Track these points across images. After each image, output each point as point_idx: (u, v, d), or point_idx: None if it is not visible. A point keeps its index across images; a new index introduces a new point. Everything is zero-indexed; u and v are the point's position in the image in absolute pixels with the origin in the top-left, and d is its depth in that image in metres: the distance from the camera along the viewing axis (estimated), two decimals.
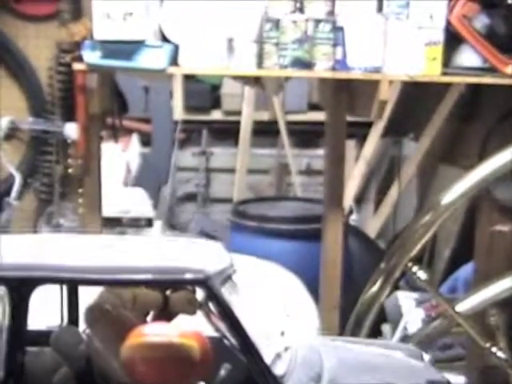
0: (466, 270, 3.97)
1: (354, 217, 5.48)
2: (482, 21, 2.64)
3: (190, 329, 1.77)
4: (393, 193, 5.52)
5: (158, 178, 6.00)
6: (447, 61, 2.70)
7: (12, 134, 3.07)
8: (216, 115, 6.21)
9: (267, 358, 1.77)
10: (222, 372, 1.79)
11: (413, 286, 3.85)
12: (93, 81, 2.78)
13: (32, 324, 1.76)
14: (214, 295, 1.74)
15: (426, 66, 2.65)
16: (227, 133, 6.26)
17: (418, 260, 2.91)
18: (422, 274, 2.82)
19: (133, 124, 5.70)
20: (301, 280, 3.18)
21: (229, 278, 1.82)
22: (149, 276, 1.74)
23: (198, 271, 1.74)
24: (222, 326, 1.79)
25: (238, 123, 5.80)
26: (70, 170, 3.06)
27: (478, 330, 2.88)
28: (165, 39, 2.66)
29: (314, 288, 3.14)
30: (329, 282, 3.16)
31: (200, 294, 1.82)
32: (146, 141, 6.01)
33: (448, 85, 4.52)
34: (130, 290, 1.89)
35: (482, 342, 2.88)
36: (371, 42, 2.61)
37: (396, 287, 4.03)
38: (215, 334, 1.87)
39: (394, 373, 1.91)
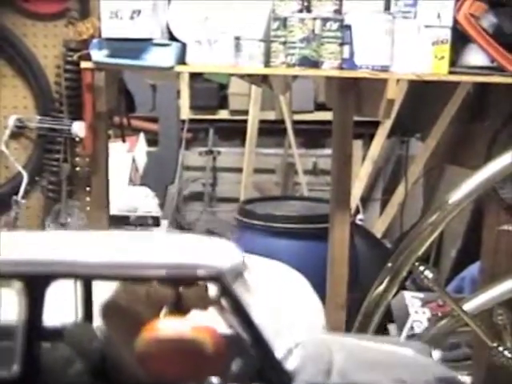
0: (472, 270, 3.96)
1: (360, 216, 5.48)
2: (489, 20, 2.64)
3: (203, 324, 1.78)
4: (399, 193, 5.52)
5: (164, 177, 6.01)
6: (454, 60, 2.70)
7: (19, 132, 3.08)
8: (223, 115, 6.23)
9: (278, 354, 1.79)
10: (234, 367, 1.80)
11: (419, 286, 3.85)
12: (100, 79, 2.79)
13: (46, 319, 1.77)
14: (226, 291, 1.75)
15: (433, 65, 2.65)
16: (234, 132, 6.27)
17: (424, 260, 2.91)
18: (429, 274, 2.81)
19: (140, 123, 5.71)
20: (307, 279, 3.18)
21: (240, 274, 1.83)
22: (162, 272, 1.75)
23: (211, 267, 1.75)
24: (234, 321, 1.80)
25: (244, 122, 5.80)
26: (77, 169, 3.07)
27: (484, 330, 2.88)
28: (172, 38, 2.66)
29: (320, 287, 3.13)
30: (335, 281, 3.16)
31: (212, 289, 1.83)
32: (152, 140, 6.02)
33: (455, 84, 4.53)
34: (144, 285, 1.91)
35: (488, 342, 2.88)
36: (378, 41, 2.61)
37: (403, 287, 4.03)
38: (228, 330, 1.88)
39: (404, 369, 1.91)
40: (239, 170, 5.95)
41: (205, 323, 1.77)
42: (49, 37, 3.01)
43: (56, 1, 2.97)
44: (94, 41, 2.64)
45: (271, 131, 6.09)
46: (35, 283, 1.72)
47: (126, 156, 5.09)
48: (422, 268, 2.84)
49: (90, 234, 2.13)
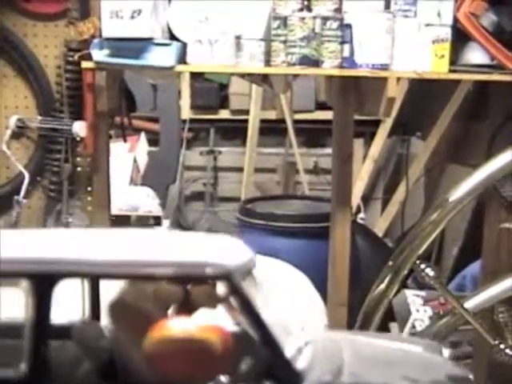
0: (473, 268, 3.96)
1: (361, 215, 5.48)
2: (489, 18, 2.64)
3: (212, 323, 1.77)
4: (400, 191, 5.53)
5: (165, 176, 6.01)
6: (455, 58, 2.70)
7: (21, 132, 3.09)
8: (224, 114, 6.23)
9: (288, 353, 1.78)
10: (244, 366, 1.79)
11: (420, 284, 3.85)
12: (101, 79, 2.79)
13: (53, 317, 1.77)
14: (235, 289, 1.74)
15: (433, 64, 2.65)
16: (235, 132, 6.28)
17: (425, 258, 2.91)
18: (430, 272, 2.82)
19: (141, 123, 5.71)
20: (308, 278, 3.18)
21: (249, 272, 1.83)
22: (170, 270, 1.75)
23: (220, 266, 1.75)
24: (243, 320, 1.80)
25: (245, 122, 5.81)
26: (78, 169, 3.08)
27: (486, 328, 2.88)
28: (173, 37, 2.66)
29: (321, 286, 3.14)
30: (337, 279, 3.16)
31: (221, 288, 1.82)
32: (153, 140, 6.03)
33: (455, 83, 4.53)
34: (151, 284, 1.90)
35: (490, 340, 2.88)
36: (379, 40, 2.61)
37: (404, 285, 4.03)
38: (236, 329, 1.87)
39: (415, 367, 1.90)
40: (240, 170, 5.95)
41: (213, 322, 1.77)
42: (49, 37, 3.02)
43: (56, 1, 2.98)
44: (95, 41, 2.64)
45: (272, 130, 6.09)
46: (42, 282, 1.72)
47: (127, 156, 5.09)
48: (423, 266, 2.84)
49: (96, 232, 2.12)
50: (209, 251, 1.81)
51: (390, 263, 2.91)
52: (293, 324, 1.98)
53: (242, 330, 1.83)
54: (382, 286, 2.92)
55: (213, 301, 1.84)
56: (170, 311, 1.89)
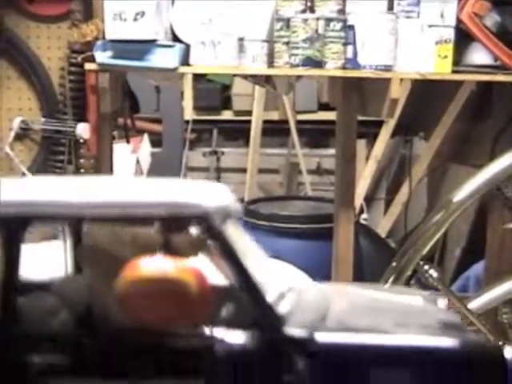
0: (477, 269, 3.96)
1: (364, 216, 5.48)
2: (493, 18, 2.64)
3: (188, 265, 1.69)
4: (403, 192, 5.52)
5: (168, 177, 6.01)
6: (458, 59, 2.71)
7: (24, 134, 3.09)
8: (226, 115, 6.23)
9: (270, 298, 1.72)
10: (224, 312, 1.75)
11: (424, 285, 3.84)
12: (104, 81, 2.80)
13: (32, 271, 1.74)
14: (214, 232, 1.68)
15: (436, 64, 2.66)
16: (238, 132, 6.28)
17: (428, 259, 2.91)
18: (433, 273, 2.81)
19: (144, 124, 5.71)
20: (312, 279, 3.18)
21: (230, 215, 1.76)
22: (147, 210, 1.67)
23: (197, 206, 1.68)
24: (223, 264, 1.73)
25: (248, 123, 5.81)
26: (81, 170, 3.08)
27: (489, 329, 2.88)
28: (176, 39, 2.67)
29: None
30: (340, 280, 3.16)
31: (200, 231, 1.76)
32: (156, 141, 6.03)
33: (458, 83, 4.53)
34: (129, 230, 1.81)
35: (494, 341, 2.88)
36: (382, 41, 2.61)
37: (407, 286, 4.03)
38: (217, 274, 1.81)
39: (405, 314, 1.88)
40: (243, 171, 5.95)
41: (190, 265, 1.69)
42: (53, 39, 3.02)
43: (60, 3, 2.98)
44: (98, 42, 2.65)
45: (275, 131, 6.09)
46: (12, 225, 1.66)
47: (130, 157, 5.09)
48: (426, 267, 2.84)
49: (75, 179, 2.05)
50: (188, 193, 1.74)
51: (394, 264, 2.91)
52: (277, 272, 1.95)
53: (222, 275, 1.77)
54: (386, 286, 2.92)
55: (193, 247, 1.77)
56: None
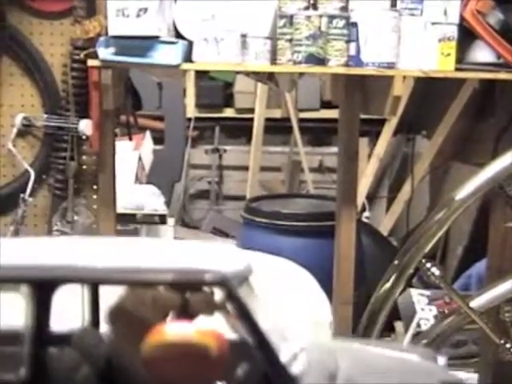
0: (479, 267, 3.96)
1: (366, 214, 5.49)
2: (496, 16, 2.63)
3: (208, 328, 1.78)
4: (405, 190, 5.52)
5: (170, 175, 6.02)
6: (461, 57, 2.70)
7: (26, 130, 3.09)
8: (229, 113, 6.24)
9: (284, 358, 1.79)
10: (240, 372, 1.81)
11: (426, 283, 3.85)
12: (107, 77, 2.80)
13: (54, 325, 1.79)
14: (231, 296, 1.76)
15: (439, 62, 2.65)
16: (240, 130, 6.29)
17: (431, 257, 2.91)
18: (435, 271, 2.82)
19: (146, 121, 5.72)
20: (313, 277, 3.18)
21: (245, 278, 1.85)
22: (168, 277, 1.76)
23: (216, 272, 1.76)
24: (240, 326, 1.81)
25: (250, 121, 5.81)
26: (84, 167, 3.08)
27: (491, 327, 2.88)
28: (178, 35, 2.66)
29: (326, 285, 3.13)
30: (342, 278, 3.16)
31: (218, 294, 1.84)
32: (159, 138, 6.03)
33: (461, 81, 4.53)
34: (150, 291, 1.92)
35: (495, 339, 2.88)
36: (385, 38, 2.61)
37: (409, 284, 4.03)
38: (233, 335, 1.89)
39: (409, 374, 1.92)
40: (245, 168, 5.96)
41: (210, 328, 1.78)
42: (55, 35, 3.02)
43: None
44: (101, 39, 2.64)
45: (277, 129, 6.10)
46: (42, 288, 1.73)
47: (132, 154, 5.10)
48: (428, 265, 2.84)
49: (95, 240, 2.14)
50: (206, 258, 1.83)
51: (396, 262, 2.91)
52: (290, 330, 2.00)
53: (239, 336, 1.85)
54: (388, 284, 2.92)
55: (210, 308, 1.86)
56: (167, 318, 1.91)
